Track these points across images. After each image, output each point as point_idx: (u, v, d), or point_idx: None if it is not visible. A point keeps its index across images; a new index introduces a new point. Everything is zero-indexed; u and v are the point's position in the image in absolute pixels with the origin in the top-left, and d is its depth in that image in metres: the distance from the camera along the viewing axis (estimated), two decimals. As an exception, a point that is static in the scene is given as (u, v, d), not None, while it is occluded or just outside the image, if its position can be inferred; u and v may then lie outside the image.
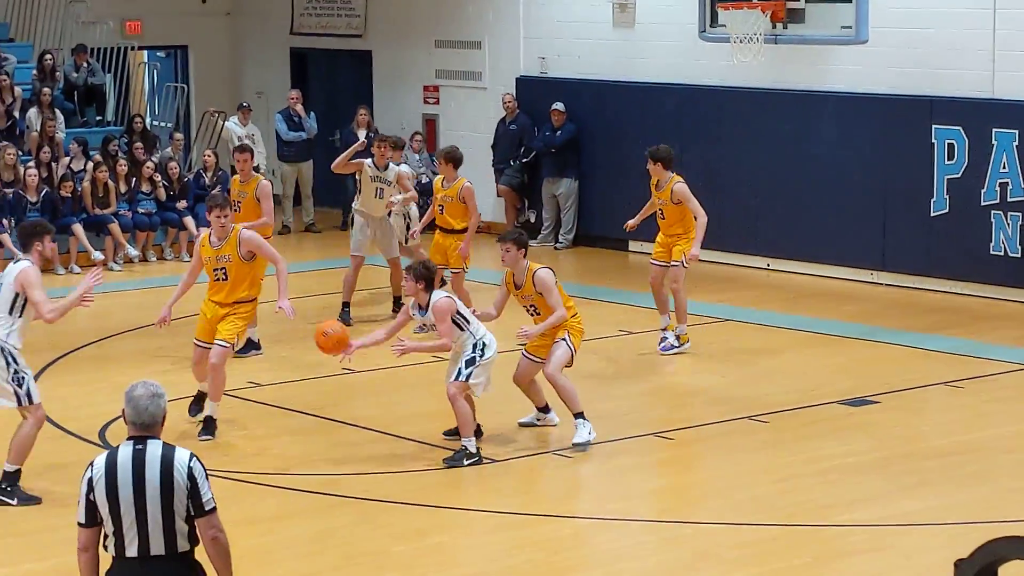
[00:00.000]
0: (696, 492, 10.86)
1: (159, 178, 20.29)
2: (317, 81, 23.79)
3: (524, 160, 20.65)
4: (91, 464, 6.42)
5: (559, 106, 20.06)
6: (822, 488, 10.76)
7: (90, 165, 19.83)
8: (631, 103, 19.58)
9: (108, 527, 6.37)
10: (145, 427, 6.39)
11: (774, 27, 16.07)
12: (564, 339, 11.46)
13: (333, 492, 10.75)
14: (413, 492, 10.75)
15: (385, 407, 12.39)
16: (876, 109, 17.38)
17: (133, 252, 19.66)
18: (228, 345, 11.91)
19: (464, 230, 15.07)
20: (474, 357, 11.16)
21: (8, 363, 10.17)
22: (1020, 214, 16.33)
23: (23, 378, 10.26)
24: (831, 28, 16.14)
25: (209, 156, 20.77)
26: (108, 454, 6.41)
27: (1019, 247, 16.38)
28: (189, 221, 19.94)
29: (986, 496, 10.59)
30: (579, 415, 11.42)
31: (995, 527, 9.76)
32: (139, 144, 20.51)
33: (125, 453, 6.36)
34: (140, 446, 6.37)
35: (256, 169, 21.64)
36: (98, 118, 21.97)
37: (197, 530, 6.36)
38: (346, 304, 15.89)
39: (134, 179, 20.12)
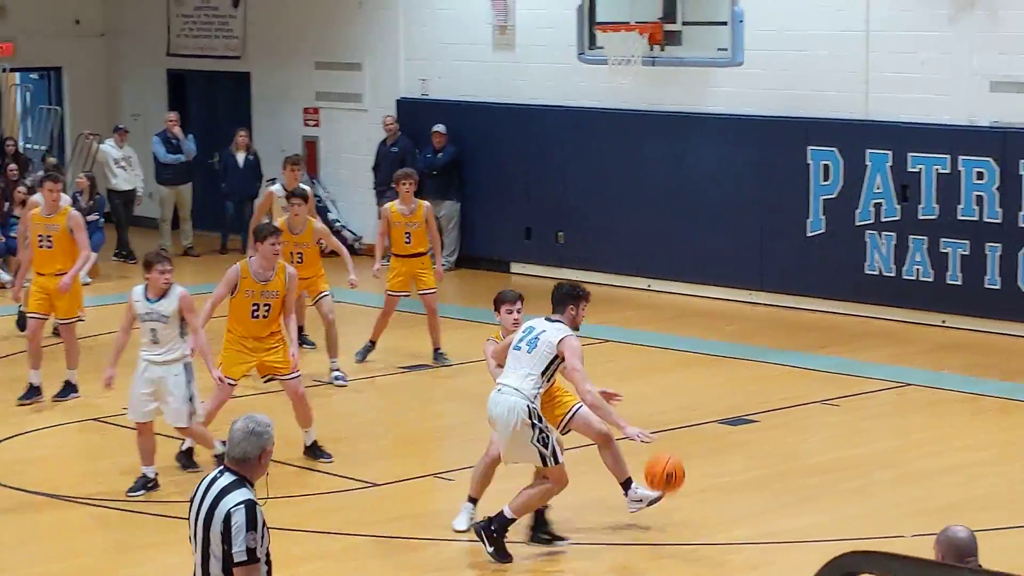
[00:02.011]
0: (574, 513, 10.82)
1: (33, 202, 19.96)
2: (195, 103, 23.59)
3: (405, 182, 20.58)
4: None
5: (440, 128, 20.06)
6: (702, 507, 10.82)
7: (-41, 189, 19.47)
8: (512, 125, 19.63)
9: None
10: (236, 461, 6.35)
11: (651, 49, 16.22)
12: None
13: None
14: (293, 518, 10.63)
15: None
16: (753, 131, 17.58)
17: (6, 277, 19.31)
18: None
19: (427, 252, 14.90)
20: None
21: (534, 424, 9.59)
22: (894, 234, 16.58)
23: (547, 438, 9.65)
24: (708, 50, 16.32)
25: (82, 179, 20.49)
26: (204, 477, 6.46)
27: (893, 266, 16.62)
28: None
29: (864, 512, 10.74)
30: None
31: (873, 543, 9.88)
32: (13, 166, 20.19)
33: (206, 479, 6.39)
34: (219, 475, 6.35)
35: (132, 192, 21.60)
36: (-31, 141, 21.60)
37: None
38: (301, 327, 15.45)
39: (7, 203, 19.77)
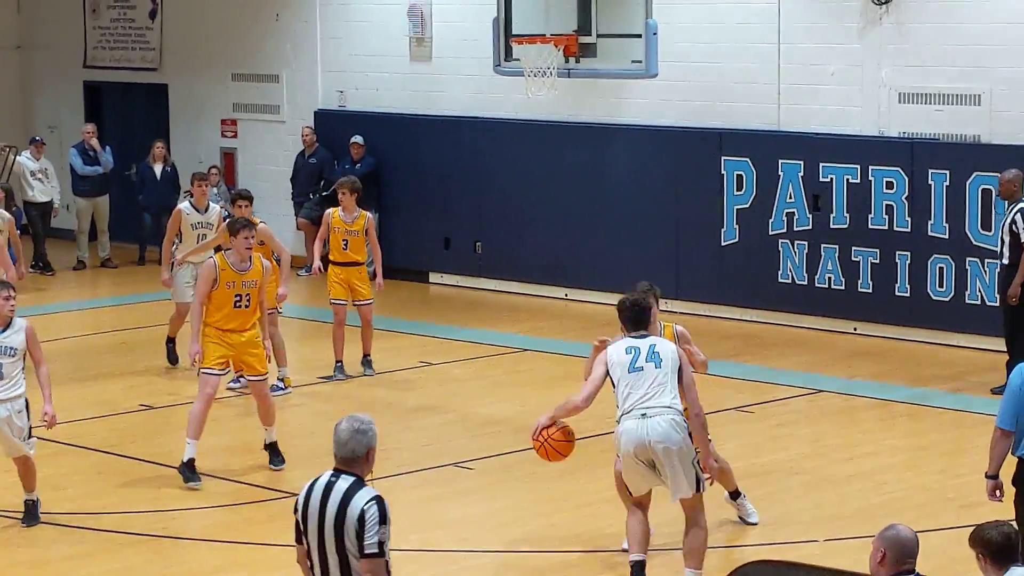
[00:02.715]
0: (496, 520, 10.95)
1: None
2: (112, 115, 23.50)
3: (324, 193, 20.61)
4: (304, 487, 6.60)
5: (358, 139, 20.12)
6: (620, 514, 10.79)
7: None
8: (430, 136, 19.72)
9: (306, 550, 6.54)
10: (344, 461, 6.51)
11: (567, 61, 16.31)
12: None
13: (128, 530, 10.67)
14: (209, 529, 10.72)
15: (180, 443, 12.26)
16: (667, 141, 17.75)
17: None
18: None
19: (364, 263, 14.89)
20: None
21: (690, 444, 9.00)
22: (806, 243, 16.80)
23: (695, 458, 9.11)
24: (622, 63, 16.42)
25: (-2, 191, 20.39)
26: (313, 480, 6.57)
27: (806, 275, 16.82)
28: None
29: (777, 517, 10.86)
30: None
31: (784, 548, 10.05)
32: (-72, 180, 20.08)
33: (321, 482, 6.52)
34: (334, 478, 6.50)
35: (49, 204, 21.48)
36: None
37: None
38: (171, 339, 15.33)
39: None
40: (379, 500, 6.44)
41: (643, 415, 8.95)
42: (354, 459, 6.49)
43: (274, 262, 14.35)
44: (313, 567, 6.53)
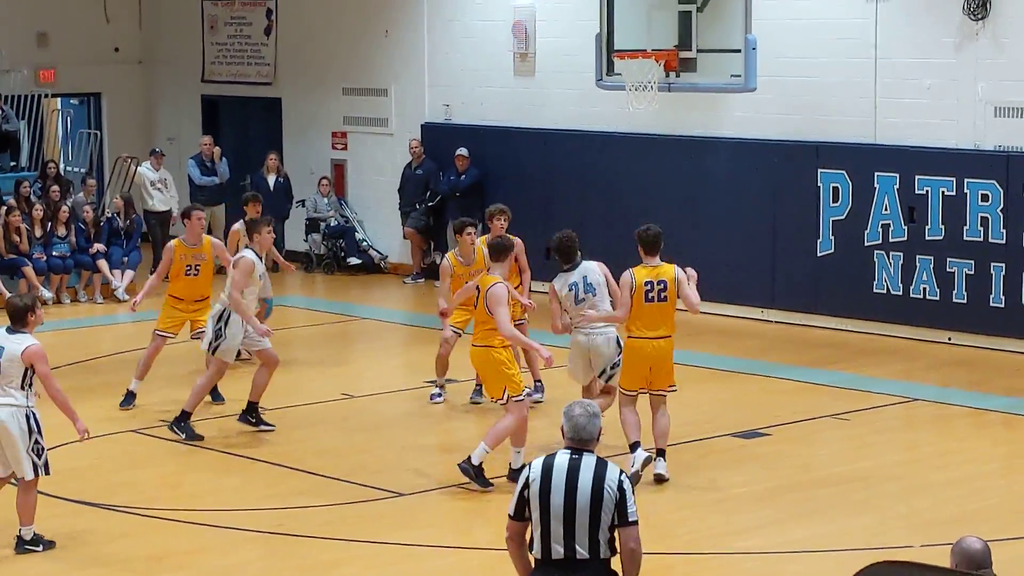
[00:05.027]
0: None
1: (73, 223, 20.55)
2: (228, 127, 24.04)
3: (430, 204, 21.10)
4: (530, 465, 6.89)
5: (463, 151, 20.53)
6: (717, 517, 11.02)
7: (2, 210, 20.04)
8: (532, 148, 20.04)
9: (535, 529, 6.80)
10: (581, 442, 6.86)
11: (667, 76, 16.52)
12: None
13: (243, 527, 10.93)
14: (322, 526, 10.93)
15: (295, 443, 12.57)
16: (765, 154, 17.94)
17: (47, 294, 19.90)
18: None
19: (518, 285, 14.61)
20: None
21: None
22: (901, 254, 16.93)
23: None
24: (722, 77, 16.64)
25: (117, 200, 21.12)
26: (545, 459, 6.86)
27: (900, 285, 16.94)
28: (103, 264, 20.25)
29: (873, 523, 10.97)
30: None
31: (881, 552, 10.15)
32: (55, 187, 20.77)
33: (561, 461, 6.81)
34: (576, 456, 6.81)
35: (168, 213, 22.14)
36: (12, 164, 22.20)
37: (617, 539, 6.83)
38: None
39: (49, 223, 20.36)
40: (626, 474, 6.89)
41: (602, 333, 12.13)
42: (590, 440, 6.87)
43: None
44: (549, 546, 6.75)
